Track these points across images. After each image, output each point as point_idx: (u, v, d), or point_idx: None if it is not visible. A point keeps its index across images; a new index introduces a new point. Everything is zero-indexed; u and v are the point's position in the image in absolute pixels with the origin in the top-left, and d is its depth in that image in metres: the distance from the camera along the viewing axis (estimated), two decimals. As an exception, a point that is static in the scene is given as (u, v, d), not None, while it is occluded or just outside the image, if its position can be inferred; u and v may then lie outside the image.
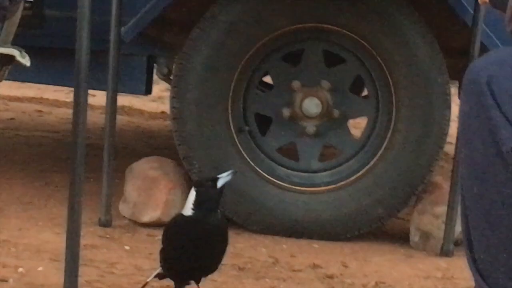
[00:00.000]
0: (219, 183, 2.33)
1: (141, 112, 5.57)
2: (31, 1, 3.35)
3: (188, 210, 2.34)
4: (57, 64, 3.34)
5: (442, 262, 3.17)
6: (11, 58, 2.11)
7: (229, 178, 2.35)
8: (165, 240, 2.39)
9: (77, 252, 2.49)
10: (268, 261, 3.04)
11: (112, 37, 3.18)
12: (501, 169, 1.87)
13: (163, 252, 2.39)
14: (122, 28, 3.24)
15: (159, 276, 2.44)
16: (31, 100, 5.58)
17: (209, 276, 2.42)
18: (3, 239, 2.98)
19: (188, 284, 2.39)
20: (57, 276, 2.55)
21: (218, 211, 2.36)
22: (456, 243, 3.20)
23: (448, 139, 3.38)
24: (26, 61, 2.12)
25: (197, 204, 2.33)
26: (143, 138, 4.86)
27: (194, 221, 2.33)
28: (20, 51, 2.12)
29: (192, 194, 2.34)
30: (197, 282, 2.40)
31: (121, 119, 4.68)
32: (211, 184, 2.34)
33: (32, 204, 3.44)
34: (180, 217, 2.38)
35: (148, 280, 2.49)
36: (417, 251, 3.29)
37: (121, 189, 3.38)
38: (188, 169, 3.31)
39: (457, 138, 1.94)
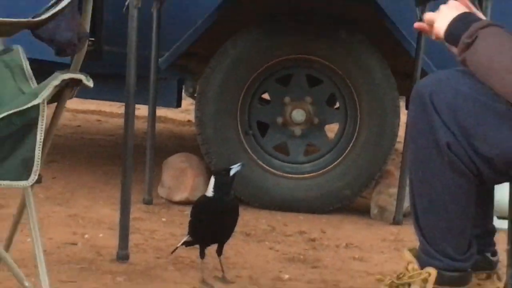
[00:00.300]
0: (231, 172, 2.32)
1: (173, 120, 5.56)
2: (93, 40, 3.34)
3: (209, 192, 2.33)
4: (112, 85, 3.34)
5: (394, 229, 3.17)
6: (79, 81, 2.08)
7: (239, 168, 2.33)
8: (193, 214, 2.38)
9: (128, 223, 2.50)
10: (267, 229, 3.04)
11: (152, 66, 3.18)
12: (438, 159, 1.87)
13: (191, 223, 2.38)
14: (160, 60, 3.25)
15: (186, 244, 2.42)
16: (92, 112, 5.57)
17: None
18: (74, 213, 2.99)
19: (209, 246, 2.38)
20: (113, 240, 2.56)
21: (231, 192, 2.36)
22: (404, 215, 3.20)
23: (398, 139, 3.38)
24: (90, 83, 2.09)
25: (215, 188, 2.31)
26: (175, 140, 4.85)
27: (214, 200, 2.32)
28: (86, 76, 2.09)
29: (212, 180, 2.33)
30: (220, 247, 2.39)
31: (158, 126, 4.66)
32: (225, 173, 2.33)
33: (95, 188, 3.44)
34: (204, 197, 2.37)
35: (177, 245, 2.47)
36: (376, 221, 3.29)
37: (159, 177, 3.38)
38: (208, 162, 3.31)
39: (405, 138, 1.94)
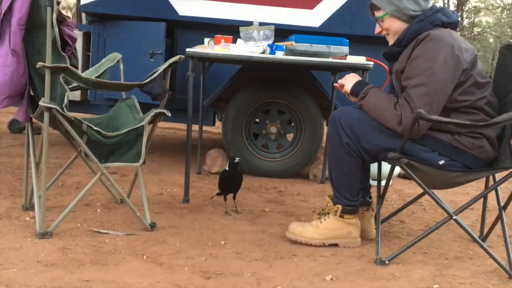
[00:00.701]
0: (236, 160, 2.32)
1: (211, 132, 5.54)
2: (171, 92, 3.34)
3: (227, 168, 2.33)
4: (180, 115, 3.33)
5: (321, 185, 3.16)
6: (163, 113, 2.08)
7: (238, 159, 2.33)
8: (220, 178, 2.38)
9: (188, 183, 2.49)
10: (258, 185, 3.02)
11: (200, 105, 3.18)
12: (342, 150, 1.88)
13: (219, 183, 2.38)
14: (204, 102, 3.23)
15: (217, 194, 2.42)
16: (170, 128, 5.54)
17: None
18: (162, 178, 2.97)
19: (228, 194, 2.38)
20: (181, 192, 2.57)
21: (238, 168, 2.35)
22: (326, 179, 3.19)
23: (323, 141, 3.37)
24: (169, 114, 2.09)
25: (229, 166, 2.32)
26: (212, 142, 4.83)
27: (229, 172, 2.33)
28: (167, 111, 2.09)
29: (228, 162, 2.33)
30: (234, 195, 2.39)
31: (203, 135, 4.65)
32: (233, 160, 2.33)
33: (172, 165, 3.39)
34: (224, 170, 2.37)
35: (213, 195, 2.48)
36: (312, 182, 3.26)
37: (204, 160, 3.35)
38: (228, 153, 3.29)
39: (326, 140, 1.94)
